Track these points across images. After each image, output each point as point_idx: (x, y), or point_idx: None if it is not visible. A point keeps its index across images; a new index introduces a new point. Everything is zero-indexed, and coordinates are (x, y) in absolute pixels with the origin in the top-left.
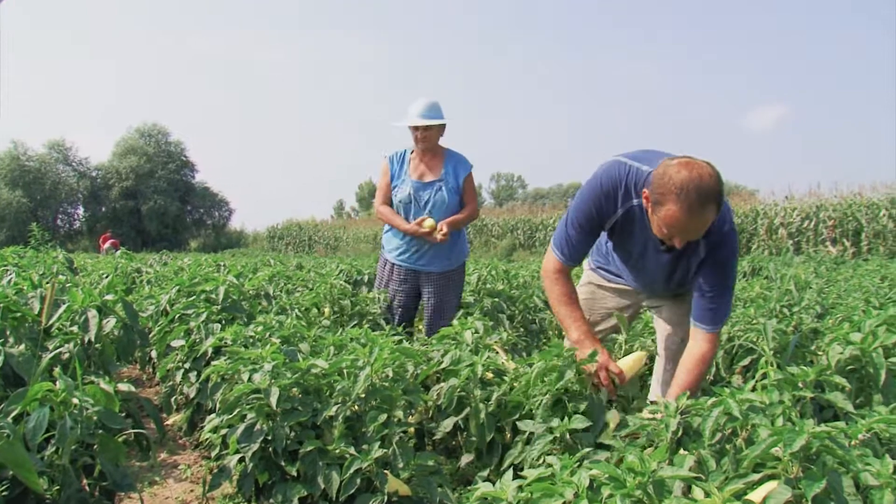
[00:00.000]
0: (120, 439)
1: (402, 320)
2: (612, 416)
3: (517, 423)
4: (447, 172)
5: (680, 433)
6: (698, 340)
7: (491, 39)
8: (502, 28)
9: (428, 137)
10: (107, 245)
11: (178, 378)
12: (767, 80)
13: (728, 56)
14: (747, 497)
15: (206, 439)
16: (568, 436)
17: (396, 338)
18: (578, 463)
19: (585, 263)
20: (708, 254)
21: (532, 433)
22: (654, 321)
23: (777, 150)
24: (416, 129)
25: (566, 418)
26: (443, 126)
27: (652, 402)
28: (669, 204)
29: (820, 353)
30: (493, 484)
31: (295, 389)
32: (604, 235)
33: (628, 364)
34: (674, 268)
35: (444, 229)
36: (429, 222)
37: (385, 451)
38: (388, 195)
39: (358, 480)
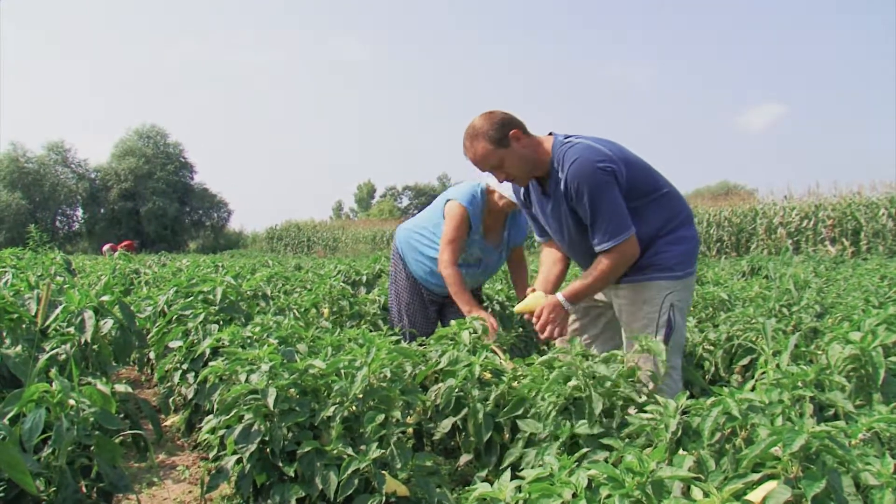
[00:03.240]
0: (117, 440)
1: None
2: None
3: (518, 421)
4: (505, 238)
5: (679, 433)
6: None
7: (490, 39)
8: (501, 28)
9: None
10: (105, 248)
11: (176, 379)
12: (766, 79)
13: (726, 55)
14: (747, 497)
15: (204, 440)
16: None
17: (394, 338)
18: (577, 463)
19: None
20: (566, 190)
21: (533, 433)
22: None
23: (776, 150)
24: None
25: (571, 423)
26: None
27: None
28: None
29: (819, 352)
30: (492, 484)
31: (292, 390)
32: None
33: (526, 304)
34: (557, 216)
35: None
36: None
37: (383, 451)
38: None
39: (356, 481)
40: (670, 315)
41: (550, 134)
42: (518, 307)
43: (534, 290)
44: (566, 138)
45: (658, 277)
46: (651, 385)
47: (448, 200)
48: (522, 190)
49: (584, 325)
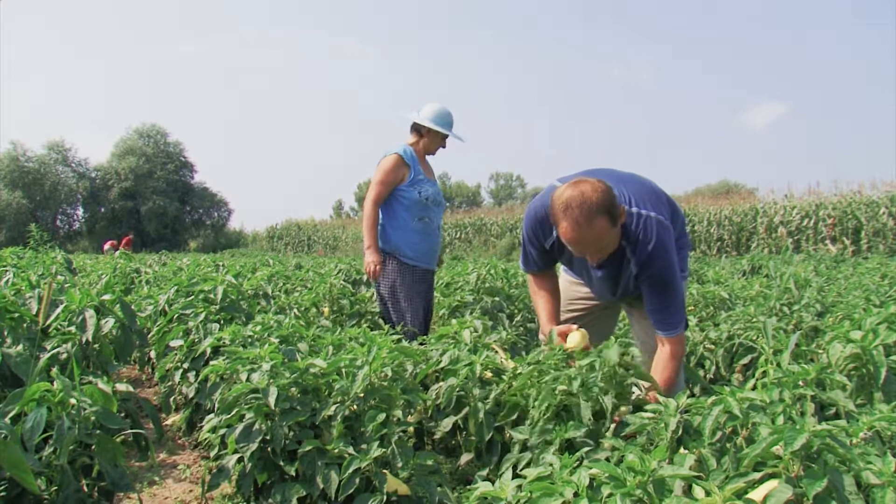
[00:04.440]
0: (118, 439)
1: (426, 327)
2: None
3: (511, 431)
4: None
5: (680, 432)
6: (661, 344)
7: (487, 39)
8: (499, 28)
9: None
10: (107, 246)
11: (177, 378)
12: (767, 78)
13: (727, 54)
14: (748, 496)
15: (205, 439)
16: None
17: (395, 337)
18: (578, 462)
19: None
20: (640, 271)
21: (527, 439)
22: (628, 317)
23: (777, 149)
24: (444, 138)
25: (563, 426)
26: None
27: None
28: (560, 222)
29: (820, 351)
30: (493, 483)
31: (293, 389)
32: None
33: (574, 342)
34: (613, 283)
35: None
36: (575, 340)
37: (384, 450)
38: (388, 194)
39: (357, 480)
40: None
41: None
42: (571, 345)
43: (579, 328)
44: (630, 207)
45: None
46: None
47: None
48: (551, 237)
49: (584, 324)
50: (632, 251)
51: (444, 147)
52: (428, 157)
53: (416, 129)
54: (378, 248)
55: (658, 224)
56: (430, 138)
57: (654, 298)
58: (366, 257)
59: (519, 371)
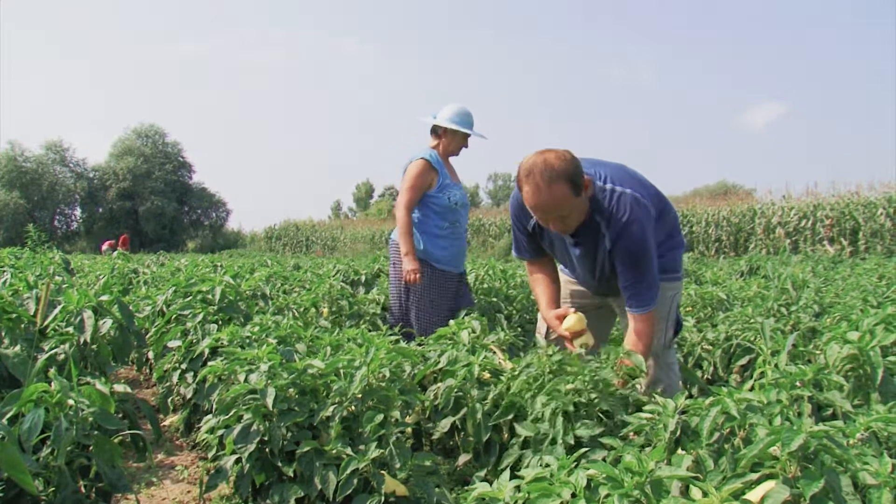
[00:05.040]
0: (116, 440)
1: None
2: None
3: (515, 424)
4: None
5: (678, 433)
6: (631, 321)
7: (487, 39)
8: (501, 28)
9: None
10: (105, 247)
11: (175, 379)
12: (765, 79)
13: (725, 54)
14: (745, 497)
15: (203, 440)
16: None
17: (393, 338)
18: (576, 463)
19: None
20: (613, 245)
21: (530, 436)
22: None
23: (775, 149)
24: (466, 137)
25: (572, 425)
26: None
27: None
28: (523, 188)
29: (817, 352)
30: (491, 484)
31: (291, 390)
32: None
33: (570, 324)
34: (592, 261)
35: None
36: (571, 322)
37: (382, 451)
38: (419, 199)
39: (355, 481)
40: (678, 314)
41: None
42: (566, 327)
43: (575, 311)
44: (604, 183)
45: (665, 279)
46: (647, 380)
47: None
48: (532, 219)
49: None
50: (606, 225)
51: (466, 147)
52: (451, 159)
53: (434, 131)
54: (416, 254)
55: (633, 199)
56: (449, 139)
57: (626, 273)
58: (405, 265)
59: (518, 373)
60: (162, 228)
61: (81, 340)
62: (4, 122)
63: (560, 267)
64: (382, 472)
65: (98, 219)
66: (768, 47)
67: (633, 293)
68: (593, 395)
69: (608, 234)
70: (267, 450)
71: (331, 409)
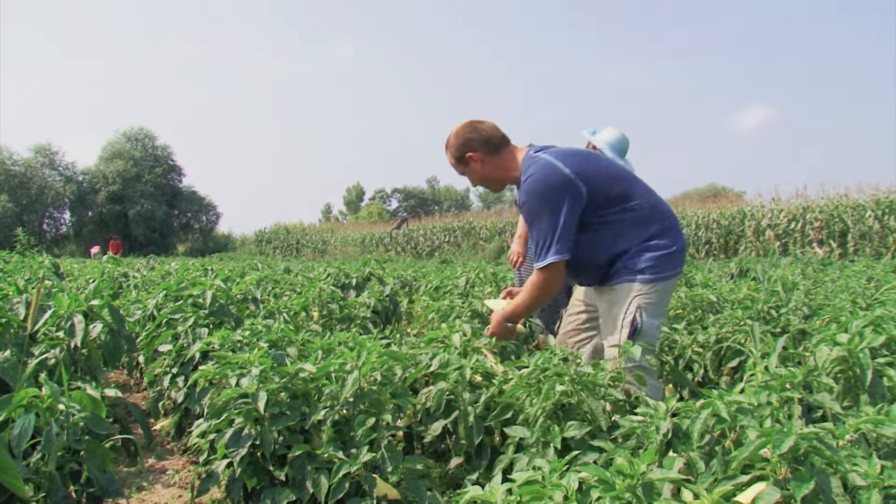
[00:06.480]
0: (107, 445)
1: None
2: None
3: (505, 428)
4: None
5: (669, 435)
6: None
7: (482, 41)
8: (494, 30)
9: None
10: (94, 250)
11: (166, 383)
12: (754, 82)
13: (714, 57)
14: (736, 499)
15: (194, 444)
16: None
17: (384, 342)
18: (567, 466)
19: None
20: (519, 200)
21: (522, 438)
22: None
23: (764, 152)
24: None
25: (560, 426)
26: None
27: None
28: None
29: (807, 354)
30: (483, 487)
31: (283, 394)
32: None
33: (492, 305)
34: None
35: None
36: (497, 304)
37: (374, 455)
38: None
39: (346, 485)
40: (636, 316)
41: (530, 145)
42: (486, 303)
43: (510, 293)
44: (536, 152)
45: (627, 280)
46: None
47: None
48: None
49: (588, 326)
50: (520, 185)
51: None
52: None
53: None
54: None
55: (546, 164)
56: None
57: (529, 229)
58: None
59: (510, 376)
60: (152, 232)
61: (72, 345)
62: None
63: None
64: (374, 475)
65: (87, 222)
66: (757, 50)
67: (534, 247)
68: (583, 395)
69: (520, 195)
70: (258, 454)
71: (322, 412)
